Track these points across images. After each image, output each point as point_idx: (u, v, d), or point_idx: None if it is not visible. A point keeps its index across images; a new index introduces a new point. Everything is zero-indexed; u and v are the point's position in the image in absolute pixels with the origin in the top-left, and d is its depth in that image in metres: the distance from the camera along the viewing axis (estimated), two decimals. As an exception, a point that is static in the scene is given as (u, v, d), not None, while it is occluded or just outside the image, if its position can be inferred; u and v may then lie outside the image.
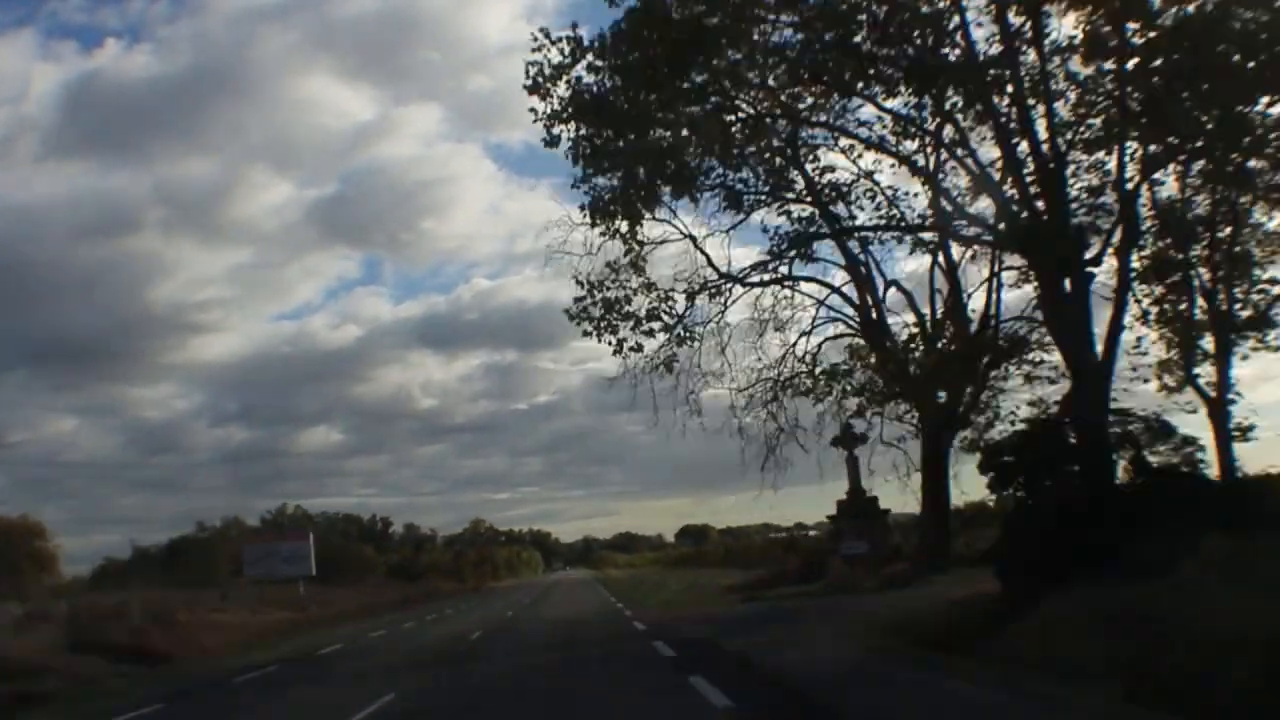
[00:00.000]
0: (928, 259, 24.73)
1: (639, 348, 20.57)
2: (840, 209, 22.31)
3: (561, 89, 17.48)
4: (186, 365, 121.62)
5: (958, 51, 16.06)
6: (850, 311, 24.97)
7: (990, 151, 16.78)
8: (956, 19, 15.77)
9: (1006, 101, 15.71)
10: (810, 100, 18.90)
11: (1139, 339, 21.15)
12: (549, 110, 17.69)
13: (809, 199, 22.04)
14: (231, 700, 15.15)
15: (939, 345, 24.91)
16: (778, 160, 21.24)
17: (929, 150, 19.99)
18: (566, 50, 17.26)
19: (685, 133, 17.28)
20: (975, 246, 22.24)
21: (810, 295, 24.46)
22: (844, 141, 20.52)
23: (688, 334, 21.33)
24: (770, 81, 17.65)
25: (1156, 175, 17.06)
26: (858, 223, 22.49)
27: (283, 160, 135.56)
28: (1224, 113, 14.45)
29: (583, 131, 17.65)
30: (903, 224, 22.05)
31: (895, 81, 16.57)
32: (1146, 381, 22.07)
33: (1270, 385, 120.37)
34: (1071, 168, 16.47)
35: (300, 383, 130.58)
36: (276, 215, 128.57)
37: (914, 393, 24.82)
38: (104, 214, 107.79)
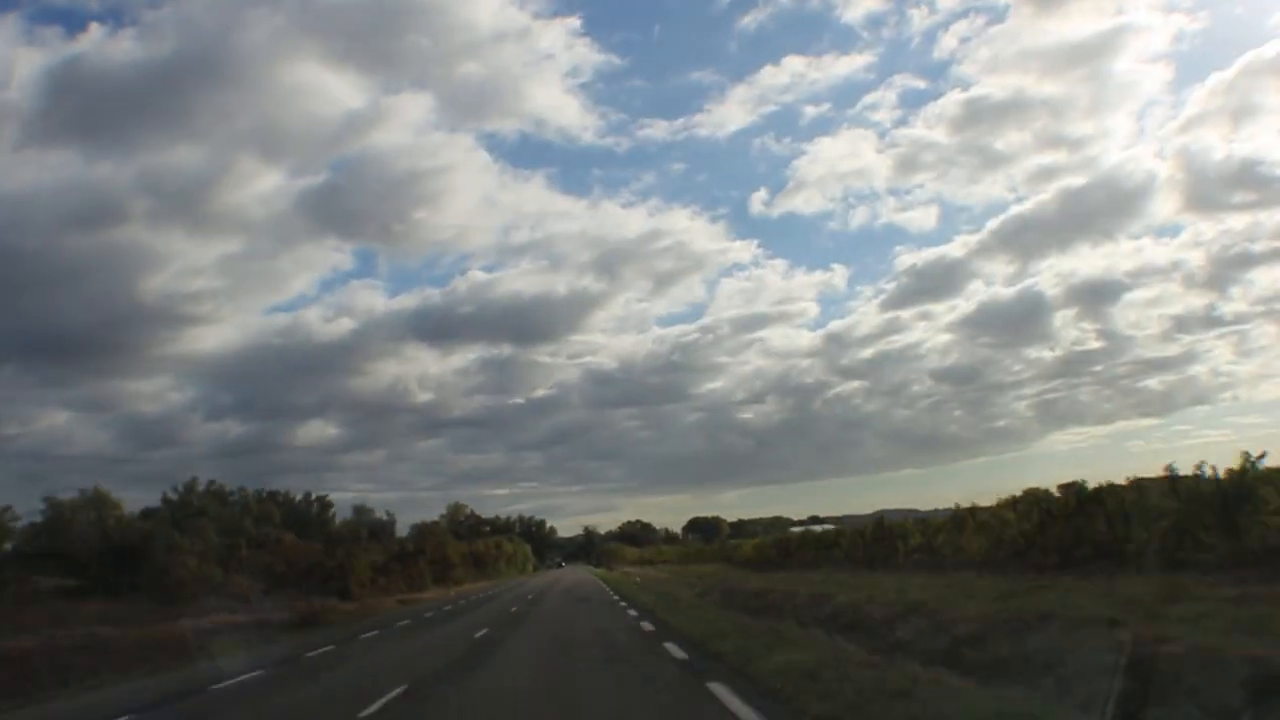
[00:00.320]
0: None
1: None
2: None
3: None
4: (180, 358, 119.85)
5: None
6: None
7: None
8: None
9: None
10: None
11: None
12: None
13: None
14: None
15: None
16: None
17: None
18: None
19: None
20: None
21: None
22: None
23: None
24: None
25: None
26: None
27: (271, 149, 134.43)
28: None
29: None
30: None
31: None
32: None
33: (1270, 383, 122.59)
34: None
35: (295, 376, 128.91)
36: (266, 205, 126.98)
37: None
38: (90, 203, 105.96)
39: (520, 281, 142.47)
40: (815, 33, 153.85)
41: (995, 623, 10.88)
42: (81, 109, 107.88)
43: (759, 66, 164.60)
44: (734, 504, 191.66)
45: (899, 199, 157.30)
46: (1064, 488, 20.43)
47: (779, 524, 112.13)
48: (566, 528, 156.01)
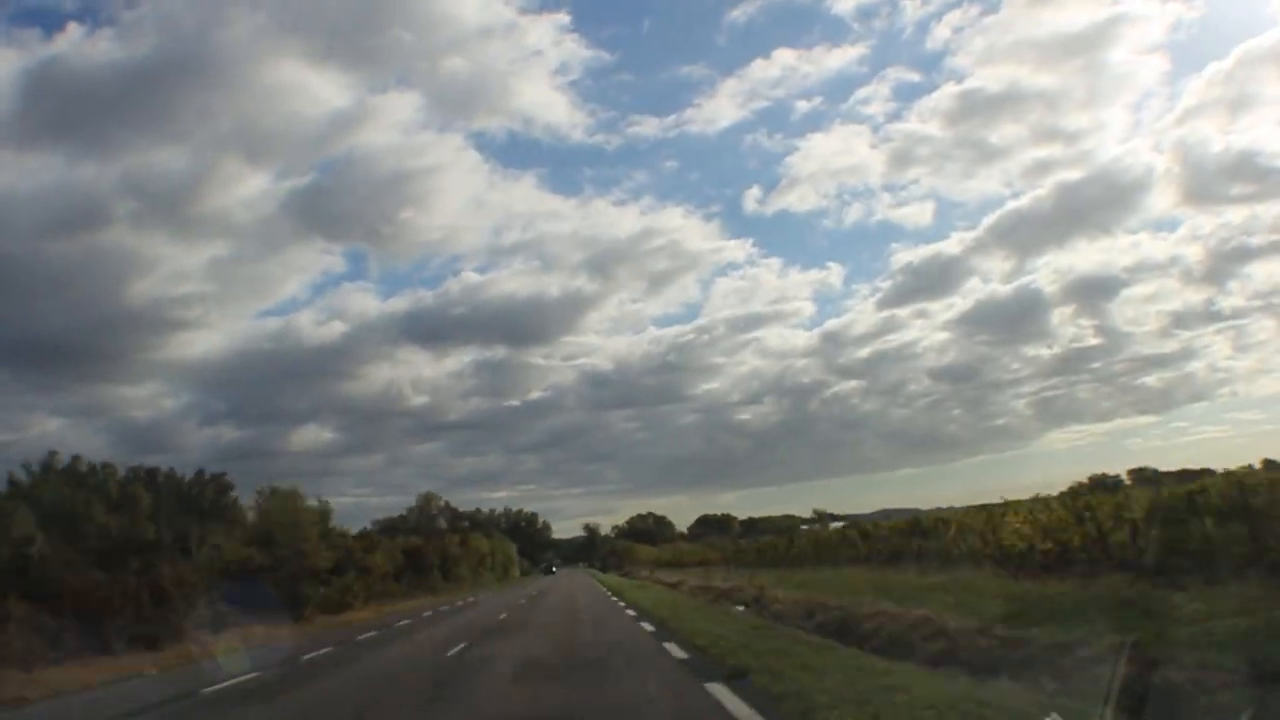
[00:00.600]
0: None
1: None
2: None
3: None
4: (170, 364, 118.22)
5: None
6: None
7: None
8: None
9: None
10: None
11: None
12: None
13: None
14: None
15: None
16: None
17: None
18: None
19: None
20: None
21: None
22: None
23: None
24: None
25: None
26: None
27: (256, 150, 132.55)
28: None
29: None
30: None
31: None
32: None
33: (1268, 378, 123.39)
34: None
35: (288, 380, 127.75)
36: (252, 207, 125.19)
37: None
38: (72, 206, 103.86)
39: (513, 283, 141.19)
40: (805, 25, 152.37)
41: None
42: (61, 110, 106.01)
43: (749, 60, 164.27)
44: (733, 505, 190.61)
45: (894, 195, 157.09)
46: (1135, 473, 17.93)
47: (791, 522, 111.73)
48: (566, 529, 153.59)
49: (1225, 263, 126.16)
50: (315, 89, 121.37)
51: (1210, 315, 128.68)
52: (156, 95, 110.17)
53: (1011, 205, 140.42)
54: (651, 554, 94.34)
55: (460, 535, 78.50)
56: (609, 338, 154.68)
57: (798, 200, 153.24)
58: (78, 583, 23.87)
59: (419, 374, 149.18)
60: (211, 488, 52.61)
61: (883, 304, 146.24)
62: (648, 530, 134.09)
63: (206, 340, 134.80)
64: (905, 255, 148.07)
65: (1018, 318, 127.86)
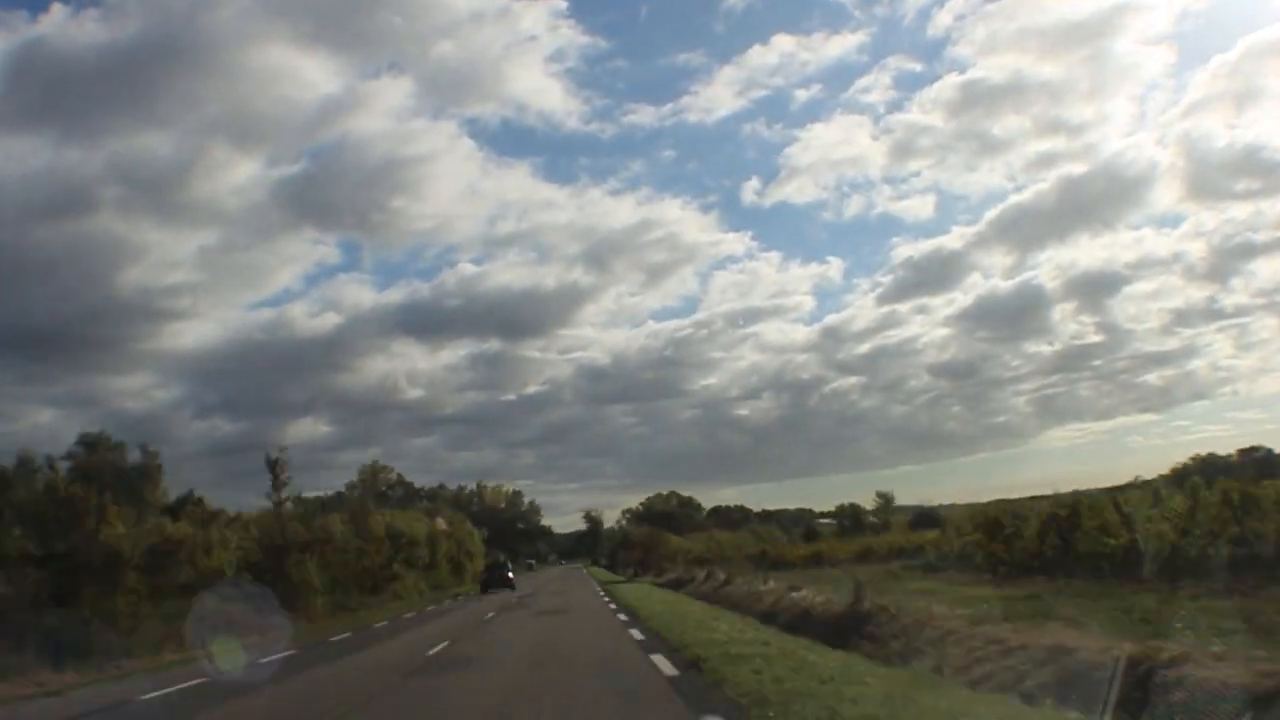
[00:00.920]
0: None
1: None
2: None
3: None
4: (162, 354, 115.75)
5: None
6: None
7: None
8: None
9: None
10: None
11: None
12: None
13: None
14: None
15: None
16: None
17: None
18: None
19: None
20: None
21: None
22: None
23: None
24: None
25: None
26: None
27: (245, 136, 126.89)
28: None
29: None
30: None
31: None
32: None
33: (1270, 377, 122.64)
34: None
35: (283, 372, 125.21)
36: (241, 195, 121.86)
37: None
38: (59, 192, 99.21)
39: (508, 274, 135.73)
40: (805, 10, 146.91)
41: None
42: (46, 94, 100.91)
43: (747, 46, 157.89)
44: (733, 500, 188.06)
45: (895, 188, 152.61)
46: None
47: (805, 515, 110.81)
48: (566, 524, 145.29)
49: (1228, 259, 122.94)
50: (304, 74, 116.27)
51: (1212, 313, 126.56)
52: (143, 78, 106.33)
53: (1014, 199, 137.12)
54: (680, 544, 68.93)
55: (391, 515, 52.65)
56: (606, 331, 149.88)
57: (797, 192, 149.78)
58: None
59: (414, 366, 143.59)
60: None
61: (883, 299, 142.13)
62: (669, 514, 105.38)
63: (198, 331, 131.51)
64: (906, 249, 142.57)
65: (1019, 314, 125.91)
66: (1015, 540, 30.64)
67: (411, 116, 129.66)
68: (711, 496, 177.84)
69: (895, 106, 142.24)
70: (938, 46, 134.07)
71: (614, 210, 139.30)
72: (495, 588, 48.49)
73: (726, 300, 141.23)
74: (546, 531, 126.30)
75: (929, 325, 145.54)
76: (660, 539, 70.03)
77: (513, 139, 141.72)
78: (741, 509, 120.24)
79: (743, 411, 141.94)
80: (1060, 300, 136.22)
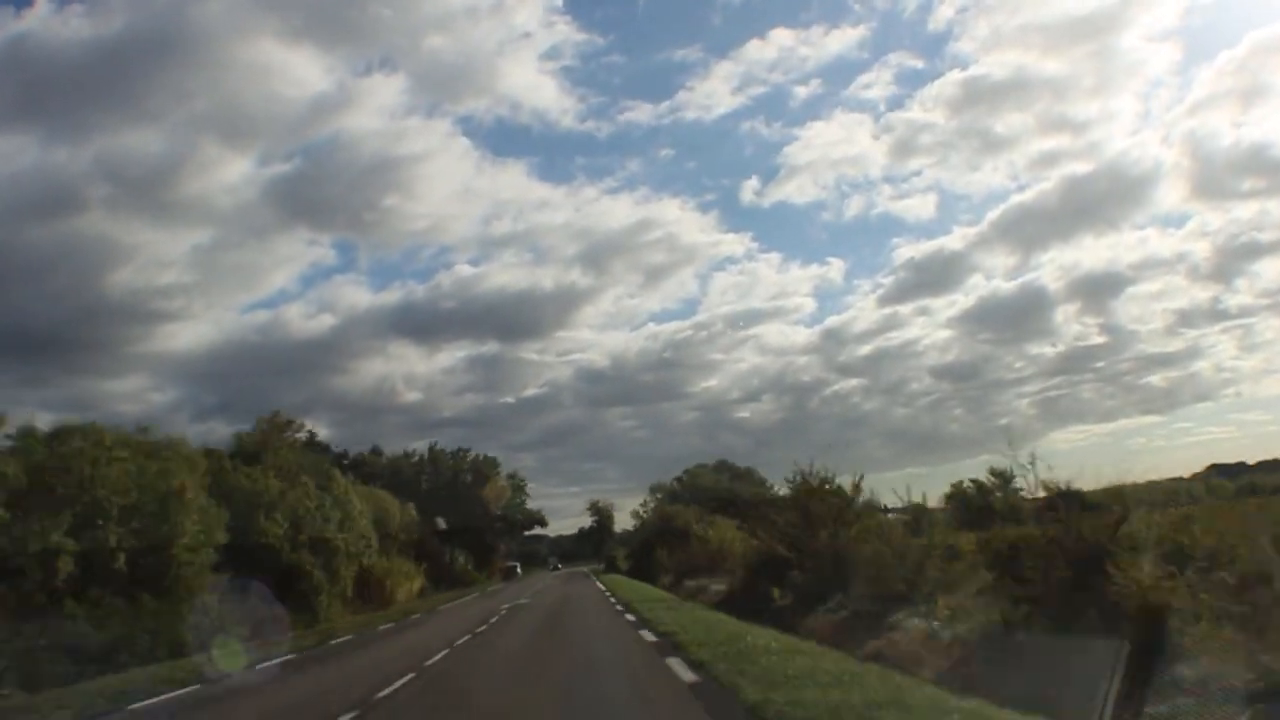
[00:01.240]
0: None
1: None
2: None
3: None
4: (157, 356, 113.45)
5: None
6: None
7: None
8: None
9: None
10: None
11: None
12: None
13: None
14: None
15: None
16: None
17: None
18: None
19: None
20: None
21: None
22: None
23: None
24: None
25: None
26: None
27: (235, 134, 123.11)
28: None
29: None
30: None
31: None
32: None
33: (1273, 378, 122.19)
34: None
35: (279, 374, 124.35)
36: (232, 194, 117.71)
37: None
38: (47, 191, 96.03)
39: (504, 276, 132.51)
40: (803, 1, 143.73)
41: None
42: (32, 89, 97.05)
43: (744, 40, 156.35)
44: None
45: (895, 187, 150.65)
46: None
47: None
48: (567, 527, 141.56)
49: (1233, 260, 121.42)
50: (295, 69, 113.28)
51: (1216, 314, 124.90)
52: (130, 74, 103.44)
53: (1016, 199, 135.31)
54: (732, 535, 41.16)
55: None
56: (605, 333, 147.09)
57: (797, 191, 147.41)
58: None
59: (411, 369, 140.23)
60: None
61: (884, 300, 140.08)
62: (719, 492, 70.44)
63: (193, 332, 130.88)
64: (907, 250, 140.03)
65: (1021, 315, 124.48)
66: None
67: (405, 114, 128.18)
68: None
69: (896, 104, 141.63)
70: (939, 42, 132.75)
71: (611, 210, 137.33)
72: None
73: (726, 302, 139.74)
74: (534, 515, 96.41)
75: (931, 327, 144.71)
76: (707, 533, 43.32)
77: (507, 137, 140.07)
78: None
79: (743, 414, 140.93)
80: (1063, 301, 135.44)
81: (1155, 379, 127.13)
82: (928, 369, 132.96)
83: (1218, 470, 58.16)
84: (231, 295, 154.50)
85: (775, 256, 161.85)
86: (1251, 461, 63.55)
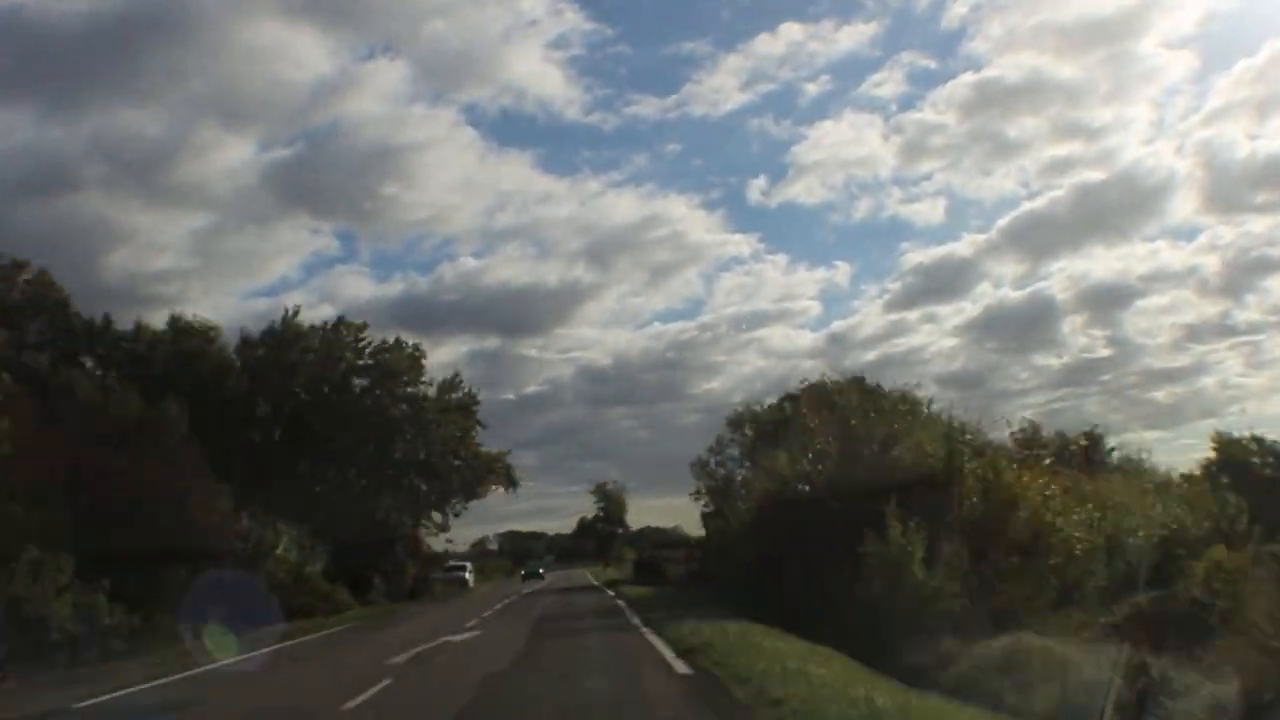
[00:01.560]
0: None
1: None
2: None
3: None
4: None
5: None
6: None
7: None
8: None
9: None
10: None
11: None
12: None
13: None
14: None
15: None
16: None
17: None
18: None
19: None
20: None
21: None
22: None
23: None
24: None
25: None
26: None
27: (235, 116, 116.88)
28: None
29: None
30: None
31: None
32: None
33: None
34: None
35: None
36: (232, 178, 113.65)
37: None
38: (42, 170, 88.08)
39: (507, 270, 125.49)
40: None
41: None
42: (25, 65, 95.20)
43: (754, 34, 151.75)
44: None
45: (905, 190, 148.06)
46: None
47: None
48: (568, 527, 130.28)
49: (1243, 275, 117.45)
50: (295, 52, 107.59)
51: (1225, 329, 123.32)
52: (128, 52, 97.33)
53: (1027, 206, 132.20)
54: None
55: None
56: (608, 331, 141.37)
57: (805, 192, 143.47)
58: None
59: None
60: None
61: (891, 306, 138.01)
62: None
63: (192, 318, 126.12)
64: (915, 256, 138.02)
65: (1028, 325, 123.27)
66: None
67: (408, 101, 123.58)
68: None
69: (907, 104, 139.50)
70: (952, 41, 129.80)
71: (616, 205, 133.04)
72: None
73: (731, 303, 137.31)
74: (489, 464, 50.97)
75: (937, 334, 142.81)
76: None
77: (512, 128, 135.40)
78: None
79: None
80: (1071, 312, 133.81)
81: (1160, 394, 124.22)
82: (933, 377, 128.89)
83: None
84: (232, 281, 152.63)
85: (782, 258, 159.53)
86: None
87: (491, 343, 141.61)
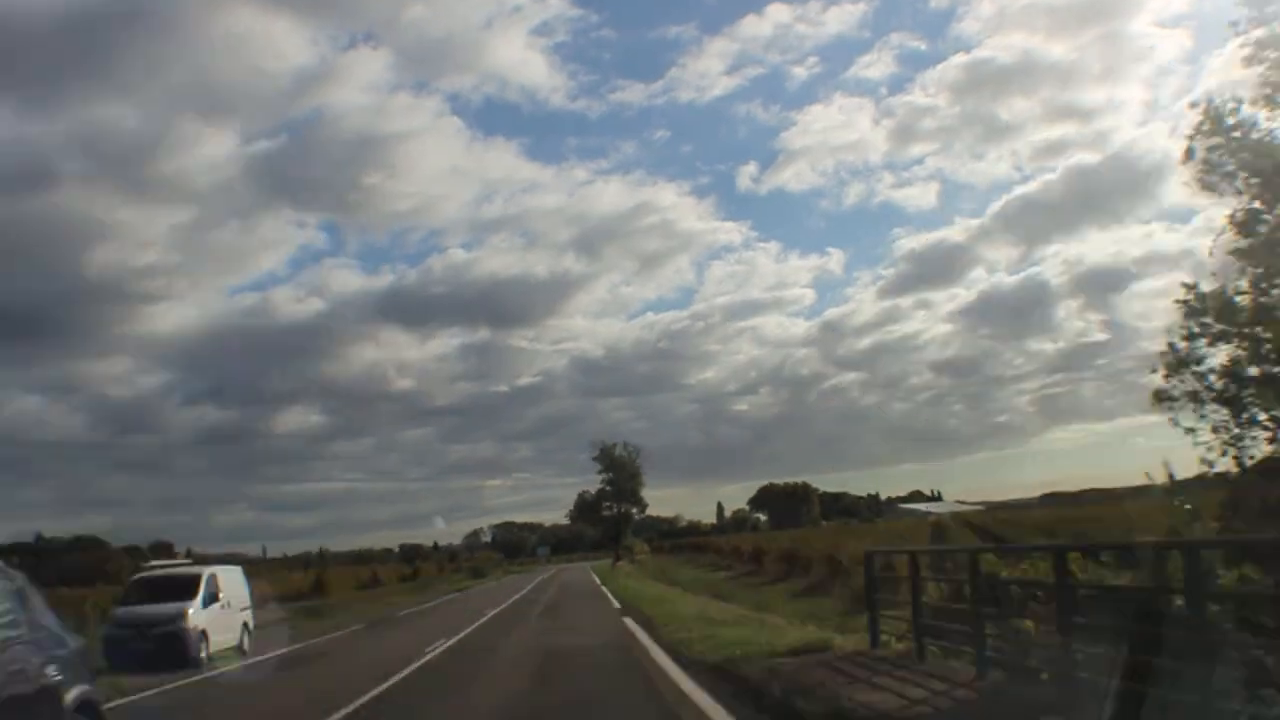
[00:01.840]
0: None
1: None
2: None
3: None
4: (142, 338, 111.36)
5: None
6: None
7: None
8: None
9: None
10: None
11: None
12: None
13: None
14: None
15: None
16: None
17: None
18: None
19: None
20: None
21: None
22: None
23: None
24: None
25: None
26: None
27: (215, 107, 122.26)
28: None
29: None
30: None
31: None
32: None
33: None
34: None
35: (269, 359, 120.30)
36: (213, 171, 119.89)
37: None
38: (21, 165, 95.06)
39: (496, 261, 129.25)
40: None
41: None
42: (2, 58, 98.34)
43: (739, 16, 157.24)
44: (732, 497, 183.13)
45: (896, 175, 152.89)
46: None
47: (874, 502, 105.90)
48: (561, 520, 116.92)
49: None
50: (274, 41, 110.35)
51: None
52: (105, 43, 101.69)
53: (1020, 190, 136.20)
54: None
55: None
56: (599, 321, 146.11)
57: (795, 178, 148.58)
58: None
59: (403, 355, 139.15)
60: None
61: (884, 293, 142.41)
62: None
63: (179, 314, 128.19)
64: (908, 242, 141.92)
65: (1023, 310, 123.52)
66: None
67: (390, 90, 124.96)
68: (711, 494, 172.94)
69: (897, 87, 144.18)
70: (942, 21, 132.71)
71: (604, 194, 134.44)
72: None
73: (723, 292, 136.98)
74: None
75: (931, 321, 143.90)
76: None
77: (497, 116, 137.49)
78: (801, 486, 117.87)
79: (741, 407, 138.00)
80: (1066, 296, 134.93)
81: (1157, 377, 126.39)
82: (928, 364, 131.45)
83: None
84: (218, 277, 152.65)
85: (774, 245, 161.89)
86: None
87: (483, 335, 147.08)
